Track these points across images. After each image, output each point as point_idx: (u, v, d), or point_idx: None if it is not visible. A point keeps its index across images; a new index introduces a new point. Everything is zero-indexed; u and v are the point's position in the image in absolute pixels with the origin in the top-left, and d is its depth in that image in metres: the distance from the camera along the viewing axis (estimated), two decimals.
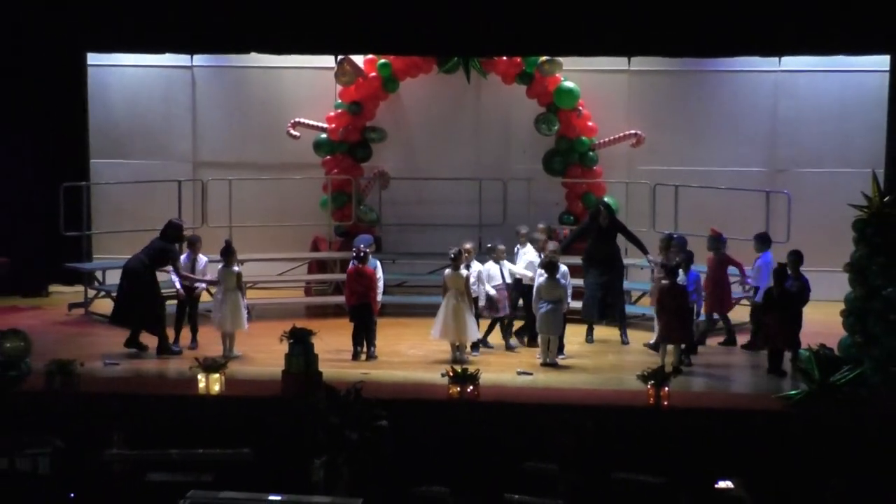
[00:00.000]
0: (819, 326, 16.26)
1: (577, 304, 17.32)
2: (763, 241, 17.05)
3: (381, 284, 16.58)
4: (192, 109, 21.37)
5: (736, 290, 17.13)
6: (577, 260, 17.35)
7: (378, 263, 16.74)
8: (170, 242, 16.59)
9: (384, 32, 15.79)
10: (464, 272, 16.12)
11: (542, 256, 16.43)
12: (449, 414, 13.72)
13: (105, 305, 18.40)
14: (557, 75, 20.26)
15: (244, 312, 16.40)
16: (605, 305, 17.30)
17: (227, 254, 16.39)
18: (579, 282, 17.47)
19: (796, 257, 15.90)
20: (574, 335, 17.01)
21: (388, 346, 16.61)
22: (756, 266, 16.95)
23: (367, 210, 20.78)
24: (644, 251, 17.32)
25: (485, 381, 14.00)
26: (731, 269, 17.08)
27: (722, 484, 11.69)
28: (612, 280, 17.24)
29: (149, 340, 16.29)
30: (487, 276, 16.41)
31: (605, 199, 20.09)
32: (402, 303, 18.92)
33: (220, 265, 16.38)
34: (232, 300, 16.21)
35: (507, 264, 16.66)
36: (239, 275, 16.42)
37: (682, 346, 15.70)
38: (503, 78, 20.44)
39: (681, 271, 15.84)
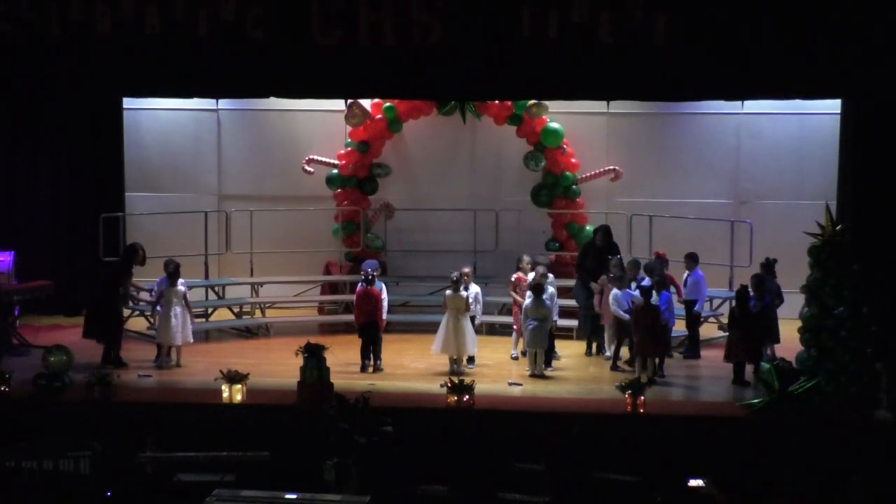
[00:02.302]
0: (788, 342, 16.34)
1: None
2: (694, 260, 17.17)
3: (385, 304, 16.61)
4: (217, 148, 21.39)
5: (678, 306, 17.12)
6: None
7: (383, 285, 16.78)
8: (125, 263, 16.68)
9: (389, 79, 15.82)
10: (463, 293, 16.16)
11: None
12: (447, 420, 13.76)
13: (139, 323, 18.43)
14: (544, 117, 20.31)
15: (189, 328, 16.42)
16: (595, 322, 17.29)
17: (172, 273, 16.40)
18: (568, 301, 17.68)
19: (757, 281, 15.96)
20: (564, 349, 17.05)
21: (392, 359, 16.62)
22: (692, 282, 17.03)
23: (374, 238, 20.81)
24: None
25: (479, 391, 14.03)
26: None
27: (694, 482, 11.70)
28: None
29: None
30: (616, 301, 16.24)
31: (587, 228, 20.17)
32: (405, 321, 18.92)
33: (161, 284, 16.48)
34: (178, 315, 16.22)
35: (630, 292, 16.40)
36: (184, 293, 16.42)
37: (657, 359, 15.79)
38: (495, 119, 20.49)
39: (654, 292, 15.88)
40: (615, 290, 16.33)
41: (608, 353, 16.93)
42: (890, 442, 13.04)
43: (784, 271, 16.94)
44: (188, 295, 16.65)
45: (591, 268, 17.36)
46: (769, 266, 16.46)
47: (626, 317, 16.05)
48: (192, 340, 16.55)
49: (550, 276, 17.05)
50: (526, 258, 17.47)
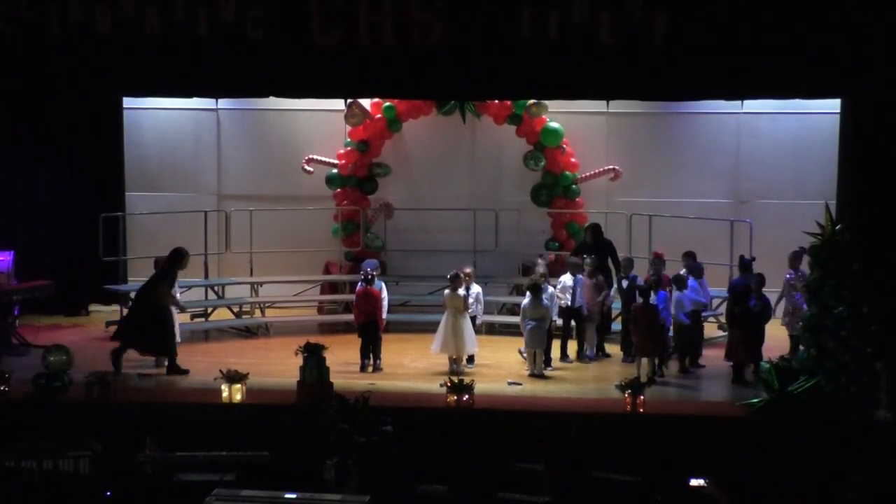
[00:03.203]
0: (779, 341, 16.34)
1: None
2: (693, 259, 17.14)
3: (385, 304, 16.61)
4: (217, 147, 21.38)
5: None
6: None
7: (383, 284, 16.78)
8: (170, 267, 16.28)
9: (389, 79, 15.82)
10: (461, 293, 16.15)
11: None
12: (447, 420, 13.75)
13: None
14: (543, 116, 20.31)
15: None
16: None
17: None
18: None
19: (759, 280, 15.94)
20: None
21: (392, 359, 16.61)
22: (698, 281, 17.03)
23: (374, 237, 20.81)
24: (617, 272, 17.45)
25: (479, 390, 14.02)
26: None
27: (695, 482, 11.70)
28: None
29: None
30: (678, 304, 16.09)
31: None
32: (404, 320, 18.90)
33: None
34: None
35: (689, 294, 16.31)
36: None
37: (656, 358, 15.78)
38: (495, 119, 20.49)
39: (652, 292, 15.87)
40: (677, 293, 16.22)
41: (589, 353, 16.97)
42: (890, 442, 13.03)
43: (784, 271, 16.92)
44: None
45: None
46: (745, 266, 16.43)
47: (687, 321, 16.00)
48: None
49: (580, 276, 16.91)
50: (541, 263, 17.31)
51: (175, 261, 16.36)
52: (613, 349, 17.29)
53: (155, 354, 16.01)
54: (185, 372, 15.72)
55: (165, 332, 15.89)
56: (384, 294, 16.61)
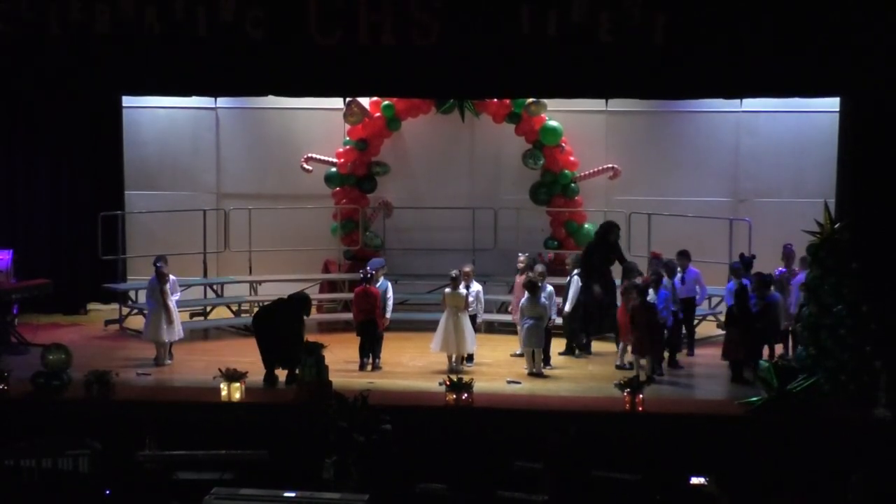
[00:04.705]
0: None
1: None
2: (687, 257, 17.13)
3: (390, 303, 16.59)
4: (216, 146, 21.35)
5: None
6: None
7: (389, 284, 16.79)
8: (297, 311, 15.59)
9: (388, 77, 15.83)
10: (462, 291, 16.15)
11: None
12: (446, 419, 13.76)
13: (137, 322, 18.40)
14: (542, 115, 20.28)
15: (170, 325, 16.34)
16: (599, 325, 17.23)
17: (160, 273, 16.37)
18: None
19: (761, 279, 15.93)
20: (563, 346, 17.05)
21: (391, 357, 16.61)
22: (692, 279, 17.01)
23: (373, 236, 20.79)
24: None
25: (478, 389, 14.03)
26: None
27: (695, 480, 11.71)
28: (611, 301, 17.07)
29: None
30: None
31: (586, 226, 20.15)
32: (404, 319, 18.85)
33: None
34: (163, 314, 16.20)
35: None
36: (167, 291, 16.33)
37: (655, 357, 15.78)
38: (494, 118, 20.46)
39: (651, 290, 15.87)
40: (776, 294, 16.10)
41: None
42: (889, 440, 13.04)
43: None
44: (177, 293, 16.58)
45: (598, 265, 17.33)
46: (746, 263, 16.43)
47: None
48: (176, 338, 16.45)
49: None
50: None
51: (307, 308, 15.78)
52: (607, 347, 17.27)
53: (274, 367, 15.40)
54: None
55: (296, 349, 15.11)
56: (390, 293, 16.60)
